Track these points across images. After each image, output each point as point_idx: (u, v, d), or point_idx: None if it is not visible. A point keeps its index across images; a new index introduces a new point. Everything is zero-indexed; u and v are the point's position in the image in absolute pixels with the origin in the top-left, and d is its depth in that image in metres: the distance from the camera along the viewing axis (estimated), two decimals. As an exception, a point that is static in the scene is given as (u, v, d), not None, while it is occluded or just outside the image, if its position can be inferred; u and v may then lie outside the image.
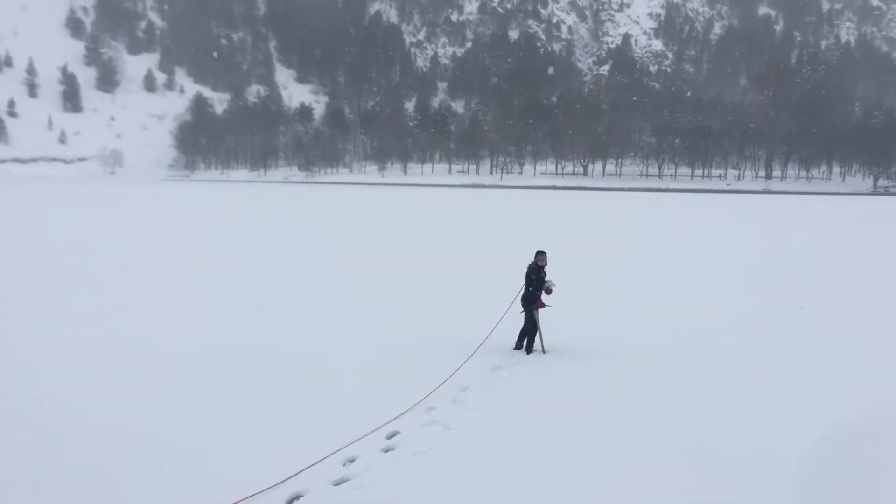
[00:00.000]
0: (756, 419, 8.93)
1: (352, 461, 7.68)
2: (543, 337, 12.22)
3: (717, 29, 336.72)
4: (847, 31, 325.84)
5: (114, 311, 15.19)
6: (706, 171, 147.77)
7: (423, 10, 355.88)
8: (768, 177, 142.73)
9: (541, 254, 12.33)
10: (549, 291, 12.16)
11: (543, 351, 12.14)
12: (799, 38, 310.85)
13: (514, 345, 12.39)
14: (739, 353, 12.30)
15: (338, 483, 7.19)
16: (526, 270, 12.23)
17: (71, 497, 6.82)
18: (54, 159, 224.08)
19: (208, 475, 7.22)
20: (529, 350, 12.19)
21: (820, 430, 8.58)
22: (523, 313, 12.26)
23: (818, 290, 19.37)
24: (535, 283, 12.03)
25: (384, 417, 8.72)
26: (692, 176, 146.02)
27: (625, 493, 6.98)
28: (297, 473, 7.24)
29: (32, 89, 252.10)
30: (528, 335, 12.24)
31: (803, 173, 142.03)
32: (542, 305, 12.15)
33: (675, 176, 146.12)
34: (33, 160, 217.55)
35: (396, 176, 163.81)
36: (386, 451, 7.97)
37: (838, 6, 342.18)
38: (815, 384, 10.52)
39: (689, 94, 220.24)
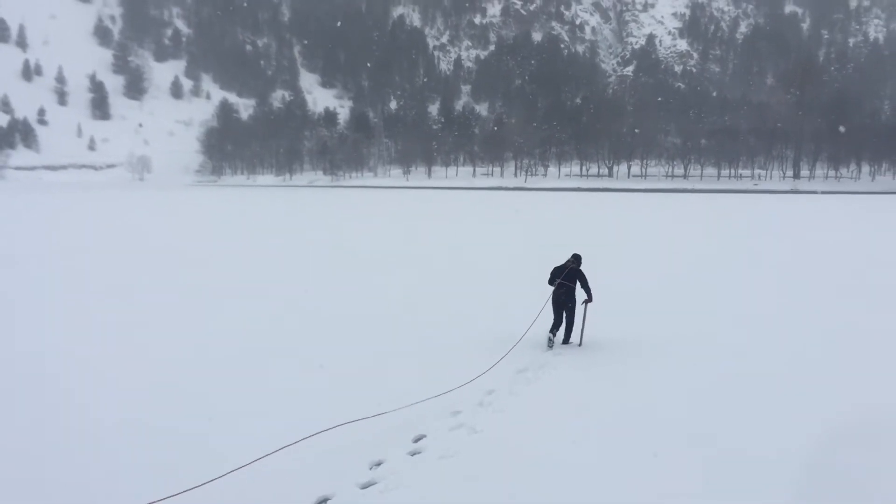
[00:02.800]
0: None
1: (378, 464, 7.72)
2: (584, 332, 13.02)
3: (743, 28, 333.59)
4: (875, 29, 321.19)
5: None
6: (733, 171, 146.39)
7: (446, 13, 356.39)
8: (796, 176, 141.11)
9: (578, 256, 13.17)
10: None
11: (580, 343, 12.86)
12: (826, 36, 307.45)
13: (545, 346, 12.61)
14: (763, 353, 12.21)
15: (365, 486, 7.24)
16: (567, 271, 12.76)
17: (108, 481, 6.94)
18: (84, 166, 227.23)
19: (238, 476, 7.27)
20: (567, 340, 12.89)
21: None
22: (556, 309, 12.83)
23: (837, 289, 19.17)
24: (585, 282, 12.81)
25: (409, 418, 8.76)
26: (718, 176, 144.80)
27: (648, 498, 6.97)
28: (325, 475, 7.32)
29: (62, 97, 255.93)
30: (570, 328, 12.92)
31: (832, 173, 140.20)
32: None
33: (702, 177, 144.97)
34: (63, 167, 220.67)
35: (421, 179, 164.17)
36: (412, 454, 8.02)
37: (866, 3, 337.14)
38: (826, 381, 10.43)
39: (714, 94, 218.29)
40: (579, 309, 12.87)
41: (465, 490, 7.08)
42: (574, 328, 12.92)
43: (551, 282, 12.93)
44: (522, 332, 12.80)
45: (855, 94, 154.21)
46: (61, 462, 7.74)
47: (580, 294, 12.79)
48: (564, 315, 12.80)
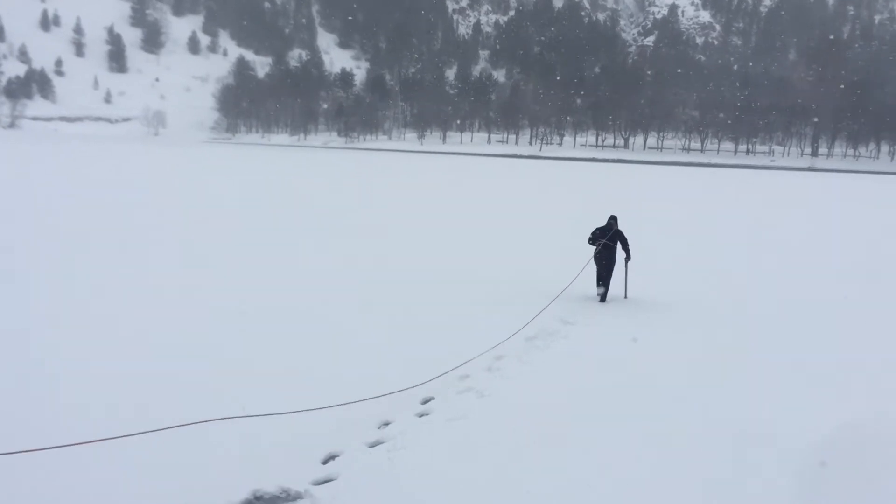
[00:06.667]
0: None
1: (387, 424, 7.84)
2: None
3: (767, 1, 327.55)
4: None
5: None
6: (750, 146, 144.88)
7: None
8: (814, 154, 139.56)
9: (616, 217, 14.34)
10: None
11: (626, 296, 14.27)
12: (851, 12, 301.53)
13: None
14: (757, 319, 12.25)
15: (373, 445, 7.36)
16: (610, 232, 13.92)
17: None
18: (99, 118, 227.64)
19: (249, 429, 7.36)
20: (604, 299, 14.02)
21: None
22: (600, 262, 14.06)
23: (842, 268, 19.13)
24: (626, 242, 14.04)
25: (417, 381, 8.85)
26: (735, 151, 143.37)
27: (651, 471, 7.02)
28: (334, 433, 7.44)
29: (79, 49, 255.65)
30: (607, 286, 14.05)
31: (850, 151, 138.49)
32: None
33: (719, 151, 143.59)
34: (79, 119, 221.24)
35: (435, 144, 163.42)
36: (420, 416, 8.12)
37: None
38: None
39: (735, 67, 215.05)
40: (619, 267, 14.07)
41: (471, 451, 7.18)
42: (611, 286, 14.06)
43: (592, 241, 14.06)
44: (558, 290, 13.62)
45: (878, 72, 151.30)
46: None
47: (619, 254, 13.97)
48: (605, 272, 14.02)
